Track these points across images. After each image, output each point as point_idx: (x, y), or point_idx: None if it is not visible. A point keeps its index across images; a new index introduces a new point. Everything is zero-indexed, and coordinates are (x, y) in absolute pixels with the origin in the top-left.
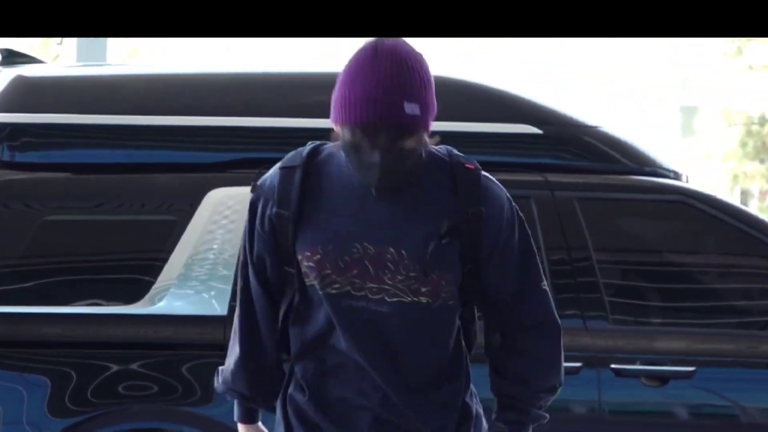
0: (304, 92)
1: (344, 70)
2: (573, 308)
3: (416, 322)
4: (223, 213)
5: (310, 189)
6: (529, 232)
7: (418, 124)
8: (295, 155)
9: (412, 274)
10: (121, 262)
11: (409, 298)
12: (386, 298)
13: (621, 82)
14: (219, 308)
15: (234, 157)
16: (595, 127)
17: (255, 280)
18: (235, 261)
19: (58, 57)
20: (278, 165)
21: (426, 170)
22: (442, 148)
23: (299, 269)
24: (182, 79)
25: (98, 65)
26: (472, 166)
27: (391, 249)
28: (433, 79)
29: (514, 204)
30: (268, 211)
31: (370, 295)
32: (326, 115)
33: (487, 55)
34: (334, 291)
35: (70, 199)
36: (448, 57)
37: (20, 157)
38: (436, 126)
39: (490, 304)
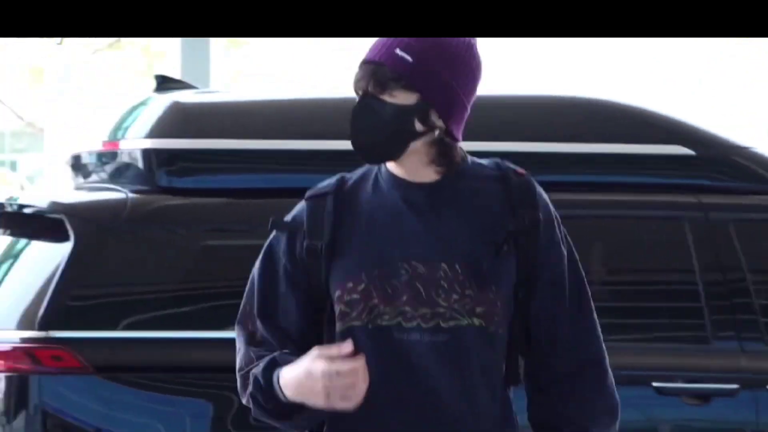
0: None
1: None
2: (728, 330)
3: (471, 350)
4: None
5: (344, 215)
6: (578, 257)
7: (404, 74)
8: (323, 185)
9: (467, 292)
10: None
11: (466, 321)
12: (441, 323)
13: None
14: None
15: None
16: (747, 147)
17: (270, 335)
18: None
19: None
20: (305, 197)
21: (472, 177)
22: (488, 160)
23: (332, 314)
24: (338, 104)
25: (254, 90)
26: (523, 172)
27: (443, 264)
28: (463, 69)
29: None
30: (297, 249)
31: (422, 324)
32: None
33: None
34: (384, 324)
35: (227, 223)
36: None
37: (177, 183)
38: (589, 148)
39: (540, 338)
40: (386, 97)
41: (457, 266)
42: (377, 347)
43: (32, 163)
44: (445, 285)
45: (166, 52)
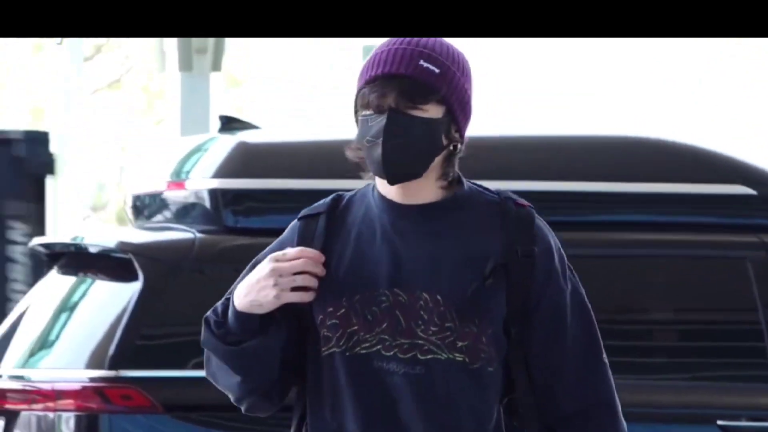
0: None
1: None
2: None
3: (451, 385)
4: None
5: (335, 236)
6: (584, 294)
7: (435, 86)
8: (319, 204)
9: (447, 324)
10: None
11: (445, 355)
12: (419, 356)
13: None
14: None
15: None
16: None
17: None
18: None
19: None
20: (298, 216)
21: (469, 206)
22: (491, 189)
23: (316, 339)
24: None
25: (318, 129)
26: (525, 204)
27: (425, 294)
28: (471, 76)
29: (565, 257)
30: None
31: (399, 354)
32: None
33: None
34: (363, 351)
35: None
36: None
37: (244, 222)
38: (650, 188)
39: (542, 381)
40: (416, 112)
41: (438, 297)
42: (355, 375)
43: None
44: (425, 316)
45: (165, 92)
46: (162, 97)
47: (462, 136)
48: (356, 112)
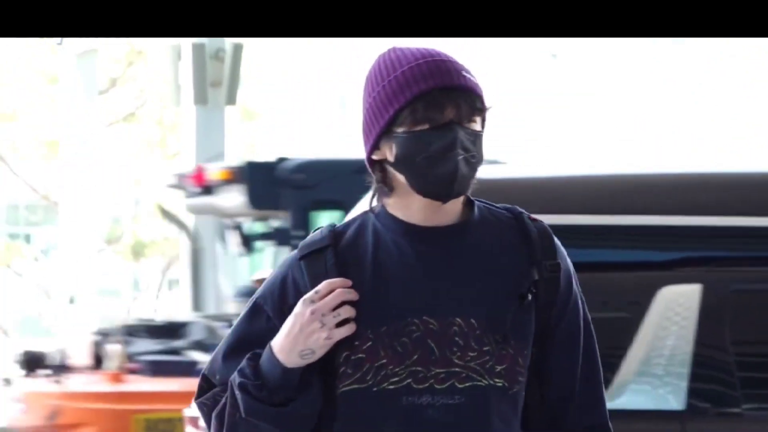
0: (753, 191)
1: (368, 78)
2: None
3: (491, 413)
4: (674, 310)
5: (348, 267)
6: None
7: (482, 98)
8: (315, 239)
9: (486, 348)
10: None
11: (485, 381)
12: (456, 384)
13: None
14: (675, 403)
15: (683, 256)
16: None
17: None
18: (688, 357)
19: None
20: (295, 256)
21: (488, 224)
22: (499, 205)
23: (332, 376)
24: (631, 180)
25: (552, 165)
26: (537, 218)
27: (458, 319)
28: None
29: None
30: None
31: (436, 385)
32: None
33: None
34: (392, 387)
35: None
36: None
37: None
38: None
39: (553, 396)
40: (473, 126)
41: (473, 320)
42: (382, 412)
43: (46, 236)
44: (461, 342)
45: (179, 125)
46: (176, 131)
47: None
48: (389, 129)
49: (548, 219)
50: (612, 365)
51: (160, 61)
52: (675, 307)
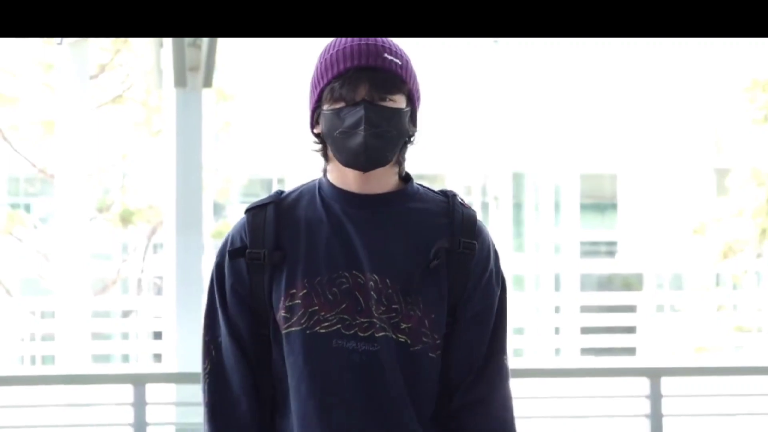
0: None
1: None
2: None
3: (396, 365)
4: None
5: (286, 225)
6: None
7: (401, 77)
8: (262, 198)
9: (394, 306)
10: None
11: (392, 335)
12: (375, 334)
13: (658, 147)
14: None
15: None
16: None
17: (233, 357)
18: None
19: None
20: (245, 210)
21: (419, 199)
22: (438, 189)
23: (275, 320)
24: None
25: None
26: (469, 206)
27: (375, 276)
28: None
29: (500, 261)
30: (241, 265)
31: (360, 333)
32: None
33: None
34: (323, 331)
35: None
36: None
37: None
38: None
39: (455, 368)
40: (387, 103)
41: (387, 279)
42: (314, 353)
43: (44, 206)
44: (375, 296)
45: (161, 106)
46: (159, 111)
47: (416, 125)
48: (317, 107)
49: None
50: None
51: (143, 49)
52: None
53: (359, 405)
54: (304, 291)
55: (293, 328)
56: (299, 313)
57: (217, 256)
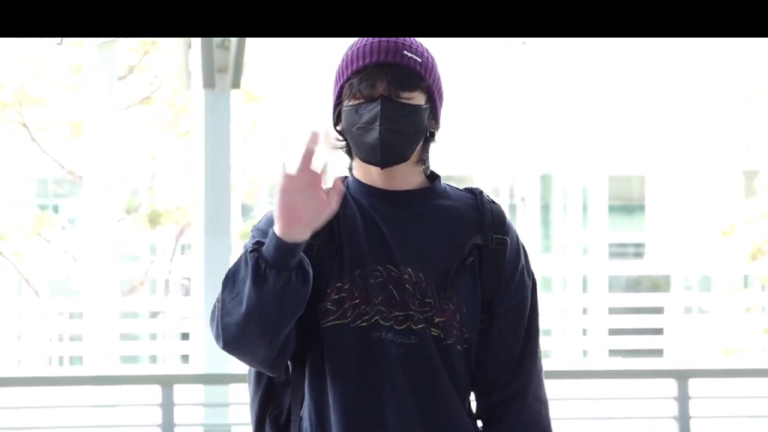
0: None
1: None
2: None
3: (436, 358)
4: None
5: (332, 218)
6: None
7: (420, 74)
8: None
9: (428, 300)
10: None
11: (427, 328)
12: (412, 326)
13: (686, 149)
14: None
15: None
16: None
17: None
18: None
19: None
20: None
21: (447, 197)
22: (464, 187)
23: (317, 315)
24: None
25: None
26: (496, 202)
27: (410, 270)
28: (438, 70)
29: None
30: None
31: (395, 326)
32: None
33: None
34: (364, 324)
35: None
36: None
37: None
38: None
39: (492, 365)
40: (405, 99)
41: (421, 274)
42: (358, 345)
43: (72, 207)
44: (410, 289)
45: (189, 107)
46: (187, 112)
47: (438, 122)
48: (339, 103)
49: None
50: None
51: (172, 50)
52: None
53: (408, 396)
54: (348, 285)
55: (338, 321)
56: (345, 307)
57: (255, 232)
